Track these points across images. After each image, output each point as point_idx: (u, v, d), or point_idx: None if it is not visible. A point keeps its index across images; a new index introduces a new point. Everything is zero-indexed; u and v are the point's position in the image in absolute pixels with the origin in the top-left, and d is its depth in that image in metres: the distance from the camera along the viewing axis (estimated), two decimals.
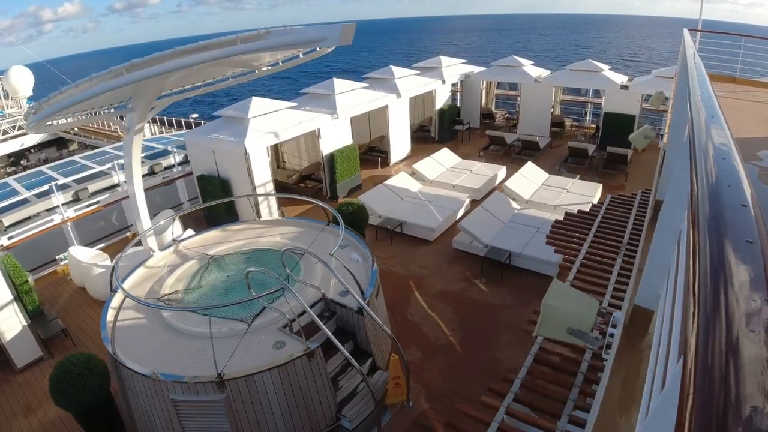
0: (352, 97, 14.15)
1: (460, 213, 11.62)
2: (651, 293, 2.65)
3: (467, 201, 11.89)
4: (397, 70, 16.42)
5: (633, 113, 15.45)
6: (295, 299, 6.33)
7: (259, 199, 11.80)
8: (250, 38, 5.47)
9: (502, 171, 13.72)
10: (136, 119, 8.53)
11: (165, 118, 30.40)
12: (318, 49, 6.98)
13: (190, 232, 11.41)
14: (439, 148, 16.31)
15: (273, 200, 12.14)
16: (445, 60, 18.83)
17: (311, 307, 7.20)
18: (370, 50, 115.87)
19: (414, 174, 13.59)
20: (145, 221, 9.85)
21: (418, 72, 17.60)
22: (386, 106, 14.84)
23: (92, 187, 14.61)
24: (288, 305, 6.85)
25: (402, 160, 16.10)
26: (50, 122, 7.68)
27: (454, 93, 19.55)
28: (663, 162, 5.51)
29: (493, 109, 20.85)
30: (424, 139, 18.05)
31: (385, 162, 15.71)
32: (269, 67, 8.39)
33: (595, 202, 11.62)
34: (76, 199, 13.61)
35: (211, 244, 9.61)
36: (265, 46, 5.35)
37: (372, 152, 16.20)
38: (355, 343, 7.22)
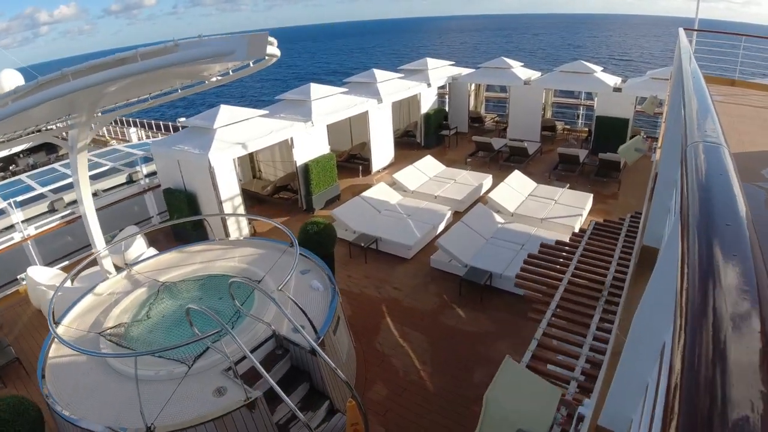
0: (330, 103, 13.39)
1: (441, 227, 10.85)
2: (620, 415, 1.89)
3: (448, 214, 11.12)
4: (380, 74, 15.65)
5: (626, 117, 14.68)
6: (236, 341, 5.56)
7: (231, 218, 11.03)
8: (153, 53, 4.72)
9: (487, 180, 12.94)
10: (78, 136, 7.78)
11: (153, 122, 29.81)
12: (266, 57, 6.20)
13: (152, 251, 10.70)
14: (425, 154, 15.60)
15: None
16: (431, 62, 18.06)
17: (261, 344, 6.50)
18: (363, 51, 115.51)
19: (394, 184, 12.82)
20: (98, 242, 9.15)
21: (402, 75, 16.82)
22: (366, 112, 14.07)
23: (68, 197, 14.05)
24: (234, 345, 6.15)
25: (385, 168, 15.33)
26: None
27: (442, 96, 18.80)
28: (654, 187, 4.70)
29: (482, 112, 20.06)
30: (410, 144, 17.28)
31: (367, 170, 14.94)
32: (219, 78, 7.65)
33: (585, 214, 10.87)
34: (52, 210, 13.08)
35: (165, 267, 8.87)
36: (159, 64, 4.55)
37: (353, 160, 15.43)
38: (311, 384, 6.46)
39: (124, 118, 31.40)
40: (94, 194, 14.29)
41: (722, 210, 0.91)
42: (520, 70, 17.37)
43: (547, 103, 18.19)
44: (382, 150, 15.06)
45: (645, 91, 14.50)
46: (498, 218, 10.46)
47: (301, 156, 12.20)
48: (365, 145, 14.87)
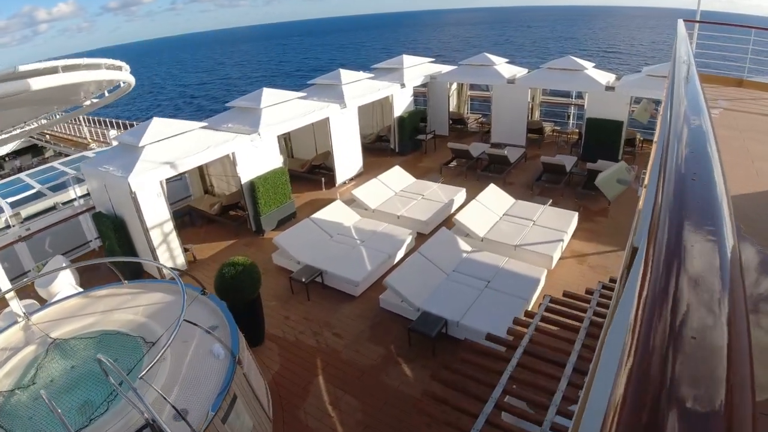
0: (283, 110, 11.90)
1: (399, 256, 9.38)
2: None
3: (409, 239, 9.63)
4: (346, 74, 14.13)
5: (620, 119, 13.09)
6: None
7: (156, 242, 9.62)
8: None
9: (460, 195, 11.42)
10: None
11: (135, 123, 28.56)
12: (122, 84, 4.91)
13: (73, 289, 9.36)
14: (399, 161, 14.24)
15: (174, 243, 9.95)
16: (407, 59, 16.49)
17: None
18: (355, 46, 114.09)
19: (354, 202, 11.34)
20: (2, 283, 7.87)
21: (372, 76, 15.30)
22: (327, 119, 12.58)
23: (26, 211, 13.02)
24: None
25: (352, 179, 13.85)
26: None
27: (422, 95, 17.27)
28: (632, 258, 3.00)
29: (465, 113, 18.46)
30: (383, 151, 15.77)
31: (331, 182, 13.47)
32: (95, 100, 6.32)
33: (567, 238, 9.34)
34: (6, 227, 11.95)
35: (66, 317, 7.50)
36: None
37: (318, 170, 13.96)
38: None
39: (105, 119, 30.27)
40: (53, 207, 13.12)
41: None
42: (504, 67, 15.77)
43: (535, 102, 16.59)
44: (347, 159, 13.58)
45: (640, 90, 12.92)
46: (464, 246, 8.96)
47: (247, 172, 10.74)
48: (329, 155, 13.38)
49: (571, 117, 16.90)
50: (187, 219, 12.62)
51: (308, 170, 13.78)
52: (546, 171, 12.34)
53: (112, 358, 7.10)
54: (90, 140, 28.29)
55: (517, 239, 9.11)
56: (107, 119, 30.17)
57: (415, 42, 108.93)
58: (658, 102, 13.76)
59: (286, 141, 14.98)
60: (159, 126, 10.24)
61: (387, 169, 12.78)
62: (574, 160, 12.66)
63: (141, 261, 8.32)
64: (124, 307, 7.38)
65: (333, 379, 6.96)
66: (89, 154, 17.99)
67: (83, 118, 30.26)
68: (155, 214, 9.52)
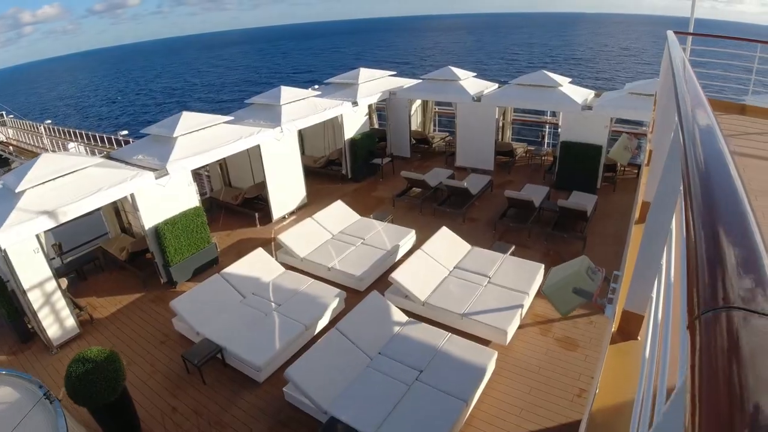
0: (204, 138, 10.13)
1: (320, 326, 7.64)
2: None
3: (336, 302, 7.89)
4: (287, 92, 12.38)
5: (599, 143, 11.48)
6: None
7: (36, 304, 7.81)
8: None
9: (408, 238, 9.72)
10: None
11: (97, 134, 26.93)
12: None
13: None
14: (351, 189, 12.65)
15: (60, 303, 8.14)
16: (364, 73, 14.76)
17: None
18: (333, 52, 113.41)
19: (280, 248, 9.61)
20: None
21: (319, 93, 13.58)
22: (258, 146, 10.85)
23: None
24: None
25: (293, 213, 12.10)
26: None
27: (379, 111, 15.65)
28: None
29: (430, 131, 16.77)
30: (335, 177, 14.03)
31: (268, 217, 11.71)
32: None
33: (528, 302, 7.63)
34: None
35: None
36: None
37: (255, 202, 12.20)
38: None
39: (66, 129, 28.58)
40: None
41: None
42: (470, 82, 14.10)
43: (506, 120, 14.95)
44: (286, 191, 11.81)
45: (622, 111, 11.38)
46: (397, 316, 7.22)
47: (150, 217, 8.97)
48: (265, 185, 11.60)
49: (546, 136, 15.27)
50: (99, 263, 10.82)
51: (241, 203, 12.00)
52: (512, 206, 10.67)
53: None
54: (51, 152, 26.55)
55: (466, 305, 7.40)
56: (69, 129, 28.42)
57: (393, 47, 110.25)
58: (640, 123, 12.22)
59: (222, 167, 13.22)
60: (46, 164, 8.45)
61: (336, 199, 11.13)
62: (545, 193, 11.01)
63: None
64: None
65: None
66: None
67: (44, 128, 28.59)
68: (32, 273, 7.73)
